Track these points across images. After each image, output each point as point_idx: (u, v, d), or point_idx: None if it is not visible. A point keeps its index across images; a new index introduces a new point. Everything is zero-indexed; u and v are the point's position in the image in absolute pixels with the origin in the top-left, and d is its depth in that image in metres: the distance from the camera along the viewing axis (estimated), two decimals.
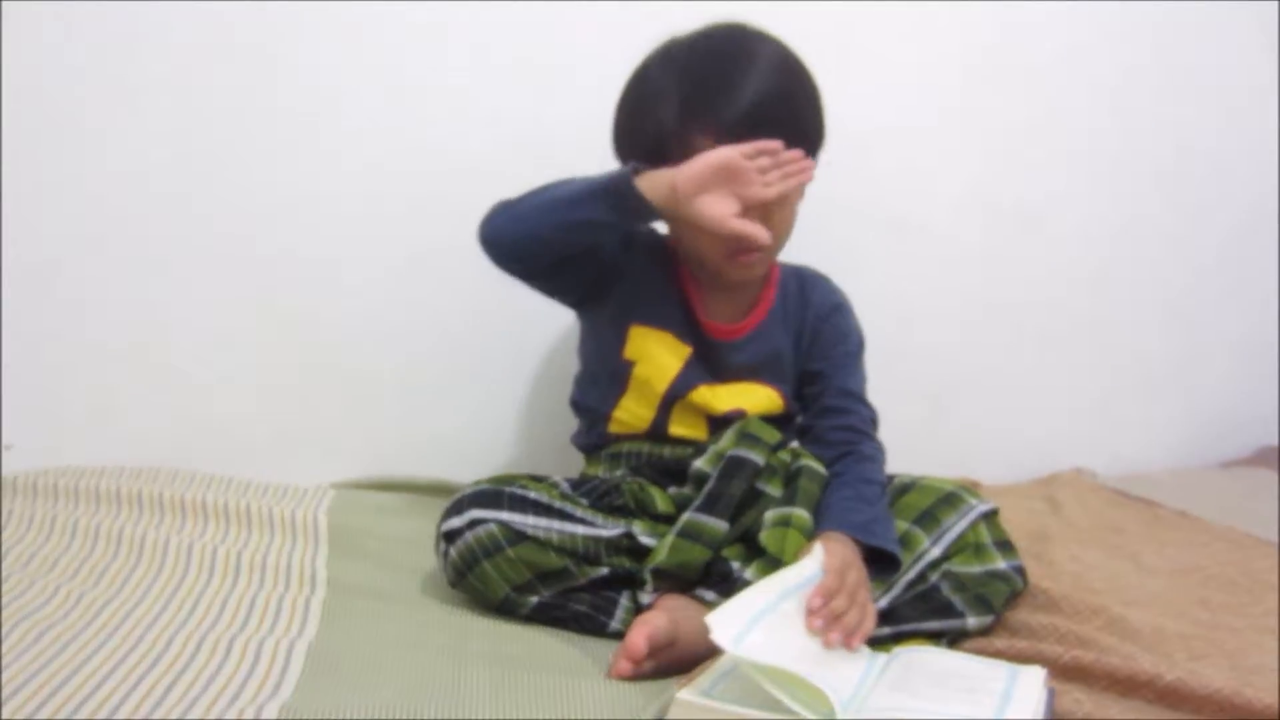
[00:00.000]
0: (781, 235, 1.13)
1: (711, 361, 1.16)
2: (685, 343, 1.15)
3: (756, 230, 1.01)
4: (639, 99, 1.12)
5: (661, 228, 1.19)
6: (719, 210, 1.00)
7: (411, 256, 1.43)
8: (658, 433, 1.15)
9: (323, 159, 1.38)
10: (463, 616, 1.01)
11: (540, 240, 1.08)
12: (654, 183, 1.01)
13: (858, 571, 0.96)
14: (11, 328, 1.29)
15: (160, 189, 1.33)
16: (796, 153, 1.02)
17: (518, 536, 1.01)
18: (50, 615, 0.91)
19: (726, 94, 1.06)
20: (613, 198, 1.02)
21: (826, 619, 0.89)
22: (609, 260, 1.15)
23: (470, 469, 1.45)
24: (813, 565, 0.92)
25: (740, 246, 1.08)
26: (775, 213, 1.08)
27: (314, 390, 1.42)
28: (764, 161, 1.00)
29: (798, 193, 1.13)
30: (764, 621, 0.83)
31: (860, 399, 1.18)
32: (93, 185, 1.31)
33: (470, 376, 1.46)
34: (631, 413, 1.16)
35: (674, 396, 1.14)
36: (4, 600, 0.93)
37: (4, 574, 0.99)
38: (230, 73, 1.33)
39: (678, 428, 1.15)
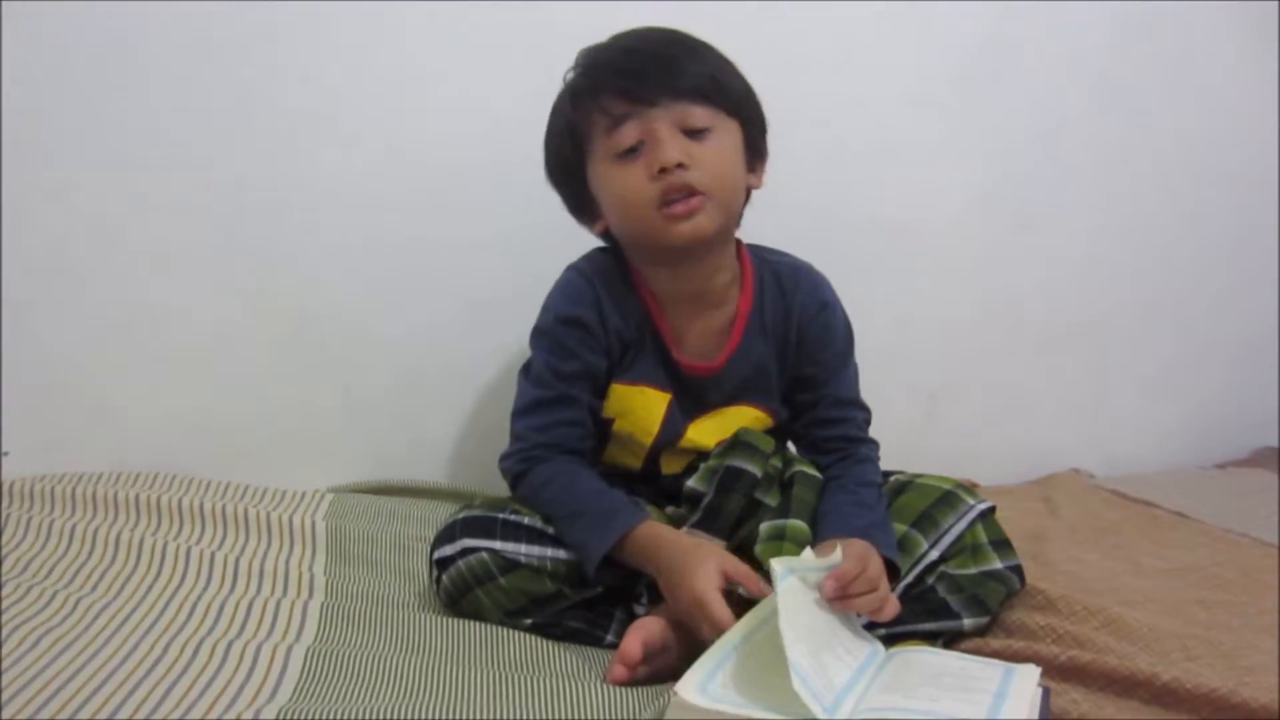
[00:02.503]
0: (716, 175, 1.03)
1: (693, 397, 1.12)
2: (664, 389, 1.11)
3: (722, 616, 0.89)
4: (551, 115, 1.11)
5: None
6: (723, 615, 0.89)
7: (410, 261, 1.43)
8: (649, 473, 1.14)
9: (321, 163, 1.38)
10: (460, 621, 1.01)
11: None
12: (641, 561, 0.98)
13: (879, 562, 0.95)
14: (9, 333, 1.29)
15: (158, 193, 1.33)
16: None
17: (510, 565, 1.00)
18: (48, 620, 0.91)
19: (610, 52, 1.06)
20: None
21: (865, 586, 0.91)
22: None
23: (467, 473, 1.46)
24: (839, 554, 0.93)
25: (669, 196, 1.01)
26: (696, 152, 1.01)
27: (311, 395, 1.42)
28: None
29: (727, 134, 1.05)
30: (800, 575, 0.86)
31: (855, 404, 1.16)
32: (90, 186, 1.31)
33: (467, 381, 1.46)
34: (619, 459, 1.15)
35: (661, 446, 1.12)
36: (2, 605, 0.93)
37: (2, 579, 1.00)
38: (229, 75, 1.33)
39: (669, 468, 1.13)
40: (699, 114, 1.03)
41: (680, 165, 1.00)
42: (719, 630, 0.87)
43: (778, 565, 0.84)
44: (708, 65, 1.06)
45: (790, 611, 0.80)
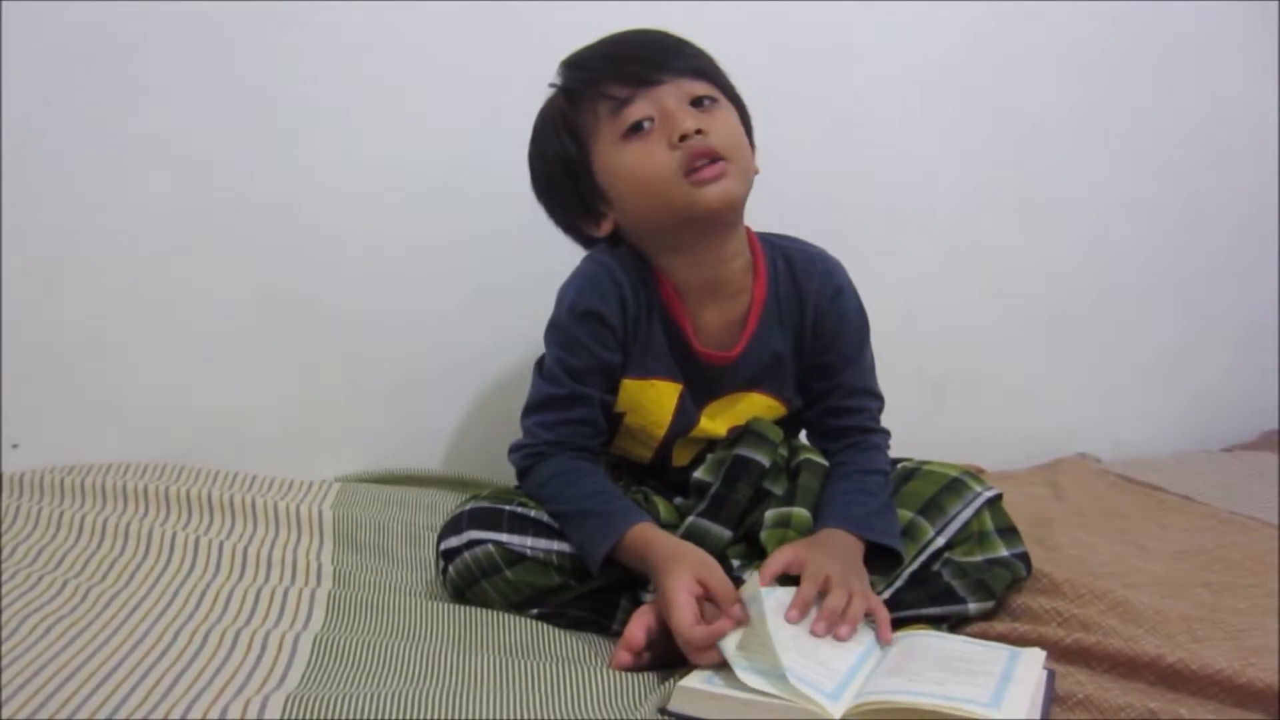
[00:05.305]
0: (732, 140, 1.03)
1: (705, 386, 1.10)
2: (676, 380, 1.09)
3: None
4: (540, 123, 1.12)
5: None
6: (685, 620, 0.88)
7: (414, 253, 1.43)
8: (660, 464, 1.14)
9: (325, 155, 1.38)
10: (466, 608, 1.01)
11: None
12: (635, 561, 0.97)
13: (842, 564, 0.94)
14: (14, 326, 1.30)
15: (162, 185, 1.33)
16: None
17: (516, 558, 1.00)
18: (59, 609, 0.92)
19: (600, 47, 1.07)
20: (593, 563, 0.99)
21: (828, 618, 0.88)
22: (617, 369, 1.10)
23: (473, 464, 1.46)
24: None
25: (693, 164, 1.00)
26: (708, 121, 1.02)
27: (318, 385, 1.42)
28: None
29: (730, 110, 1.06)
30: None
31: (870, 393, 1.14)
32: (95, 181, 1.31)
33: (473, 372, 1.47)
34: (629, 450, 1.15)
35: (674, 437, 1.11)
36: (13, 595, 0.94)
37: (11, 570, 1.00)
38: (232, 69, 1.34)
39: (680, 459, 1.13)
40: (702, 86, 1.04)
41: (699, 131, 1.00)
42: (683, 634, 0.86)
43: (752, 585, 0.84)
44: (699, 51, 1.07)
45: (777, 619, 0.80)
